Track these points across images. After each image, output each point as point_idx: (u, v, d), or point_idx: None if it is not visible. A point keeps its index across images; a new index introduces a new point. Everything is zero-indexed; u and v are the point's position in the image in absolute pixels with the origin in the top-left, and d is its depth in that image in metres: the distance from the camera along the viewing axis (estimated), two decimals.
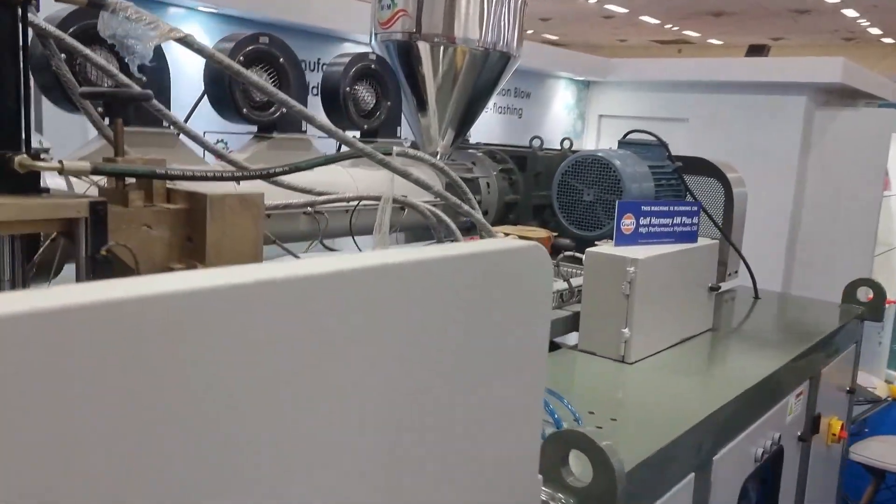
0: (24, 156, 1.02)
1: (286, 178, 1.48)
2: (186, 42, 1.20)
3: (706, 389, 1.63)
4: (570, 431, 1.07)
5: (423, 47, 2.36)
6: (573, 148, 2.73)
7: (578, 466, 1.06)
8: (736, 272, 2.72)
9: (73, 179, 1.27)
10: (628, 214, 1.82)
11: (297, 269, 0.62)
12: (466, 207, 1.75)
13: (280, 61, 1.92)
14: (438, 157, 2.60)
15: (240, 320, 0.57)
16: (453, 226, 1.62)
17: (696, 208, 1.98)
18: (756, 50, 7.59)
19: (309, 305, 0.62)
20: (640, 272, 1.70)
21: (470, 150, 2.75)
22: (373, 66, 2.20)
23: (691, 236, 1.97)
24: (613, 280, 1.72)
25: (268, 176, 1.34)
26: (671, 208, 1.92)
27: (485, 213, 2.62)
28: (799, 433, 2.05)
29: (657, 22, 18.09)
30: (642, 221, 1.85)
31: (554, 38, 18.54)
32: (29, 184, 1.05)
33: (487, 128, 4.90)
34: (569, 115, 5.94)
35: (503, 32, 2.41)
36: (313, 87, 3.43)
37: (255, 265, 0.62)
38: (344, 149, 1.36)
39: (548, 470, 1.07)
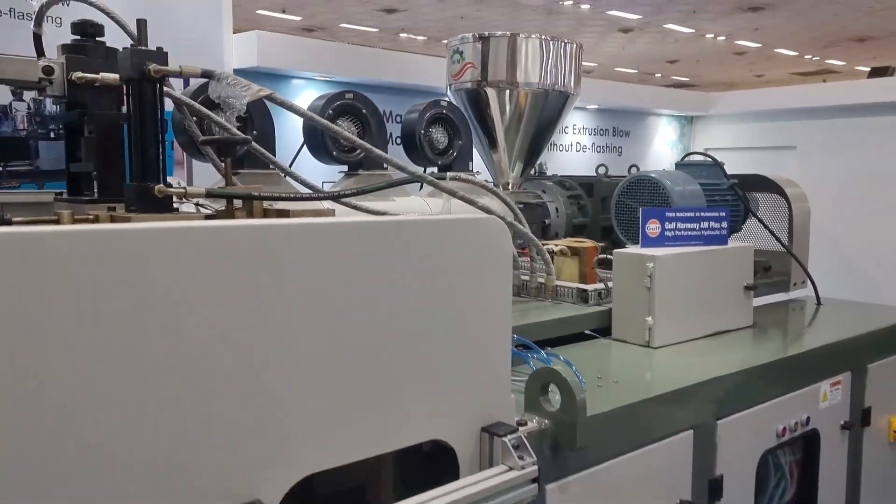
0: (161, 185, 1.49)
1: (364, 203, 1.90)
2: (272, 98, 1.66)
3: (716, 365, 1.85)
4: (548, 369, 1.38)
5: (490, 93, 2.76)
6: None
7: (555, 397, 1.37)
8: (804, 283, 2.85)
9: (201, 203, 1.75)
10: (653, 220, 2.09)
11: (274, 222, 1.00)
12: (510, 219, 2.12)
13: (363, 112, 2.37)
14: (511, 186, 2.96)
15: (237, 261, 0.96)
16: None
17: (723, 214, 2.21)
18: (879, 72, 7.36)
19: (292, 251, 1.00)
20: (659, 267, 1.97)
21: (543, 180, 3.09)
22: (444, 111, 2.62)
23: (720, 239, 2.20)
24: (637, 276, 1.99)
25: (337, 197, 1.76)
26: (697, 214, 2.17)
27: (555, 236, 2.93)
28: (843, 422, 2.18)
29: (795, 54, 17.52)
30: (668, 226, 2.11)
31: (684, 79, 18.39)
32: (165, 205, 1.52)
33: (585, 166, 5.19)
34: (671, 151, 6.11)
35: (560, 74, 2.77)
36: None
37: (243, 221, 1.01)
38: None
39: (531, 399, 1.39)
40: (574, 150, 5.39)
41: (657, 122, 6.04)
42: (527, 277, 2.28)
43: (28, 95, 3.07)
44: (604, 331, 2.10)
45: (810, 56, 17.80)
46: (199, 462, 0.90)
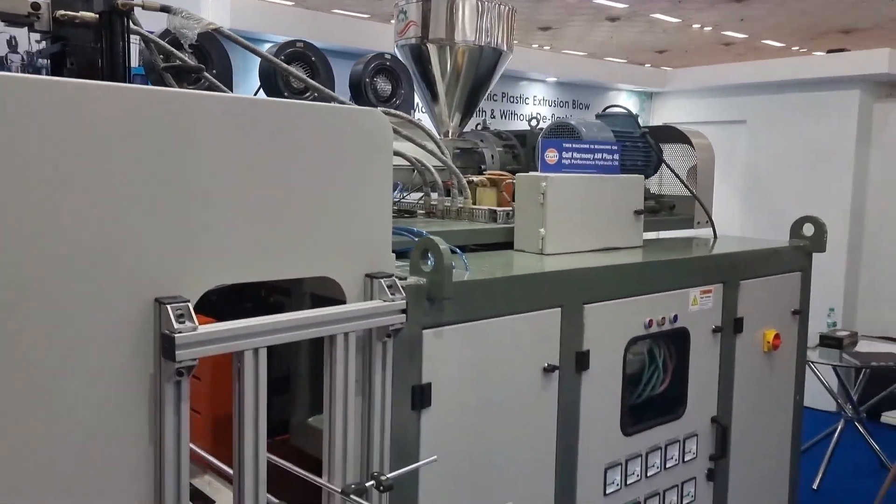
0: None
1: None
2: (220, 31, 2.03)
3: (590, 263, 2.23)
4: (426, 239, 1.76)
5: (431, 49, 3.12)
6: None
7: (429, 264, 1.75)
8: (707, 223, 3.22)
9: None
10: (551, 149, 2.47)
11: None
12: (431, 146, 2.50)
13: (312, 59, 2.74)
14: (450, 135, 3.33)
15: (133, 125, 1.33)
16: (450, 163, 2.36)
17: (615, 147, 2.59)
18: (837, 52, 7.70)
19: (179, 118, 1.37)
20: (551, 187, 2.34)
21: (482, 132, 3.46)
22: (388, 62, 2.99)
23: (613, 169, 2.58)
24: (533, 194, 2.37)
25: None
26: (591, 146, 2.54)
27: None
28: (714, 326, 2.56)
29: (782, 45, 17.86)
30: (564, 155, 2.49)
31: (671, 69, 18.74)
32: None
33: None
34: None
35: (494, 33, 3.13)
36: None
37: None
38: None
39: (414, 264, 1.76)
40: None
41: (617, 97, 6.41)
42: (449, 203, 2.66)
43: (22, 48, 3.44)
44: (510, 245, 2.47)
45: (797, 47, 18.16)
46: (135, 260, 1.27)
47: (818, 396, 4.97)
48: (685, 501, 2.52)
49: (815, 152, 5.71)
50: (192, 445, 1.39)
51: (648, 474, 2.37)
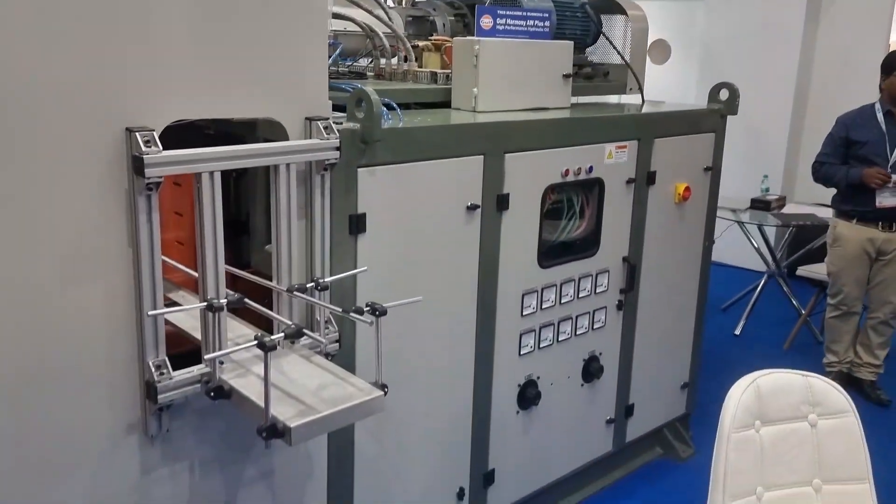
0: None
1: None
2: None
3: (513, 116, 2.55)
4: (360, 89, 2.05)
5: None
6: None
7: (363, 111, 2.04)
8: (637, 90, 3.49)
9: None
10: (486, 15, 2.72)
11: None
12: (380, 12, 2.73)
13: None
14: (403, 3, 3.54)
15: None
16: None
17: (546, 14, 2.83)
18: None
19: None
20: (483, 50, 2.61)
21: (436, 1, 3.66)
22: None
23: (544, 35, 2.83)
24: (468, 57, 2.63)
25: None
26: (524, 12, 2.79)
27: None
28: (627, 178, 2.91)
29: None
30: (499, 21, 2.74)
31: None
32: None
33: None
34: None
35: None
36: None
37: None
38: None
39: (350, 112, 2.06)
40: None
41: None
42: (396, 66, 2.92)
43: None
44: (449, 105, 2.76)
45: None
46: (107, 96, 1.57)
47: (750, 257, 5.43)
48: (596, 326, 2.95)
49: (767, 27, 5.91)
50: (164, 257, 1.74)
51: (562, 301, 2.79)
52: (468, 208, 2.38)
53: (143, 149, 1.58)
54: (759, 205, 5.01)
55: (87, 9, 1.51)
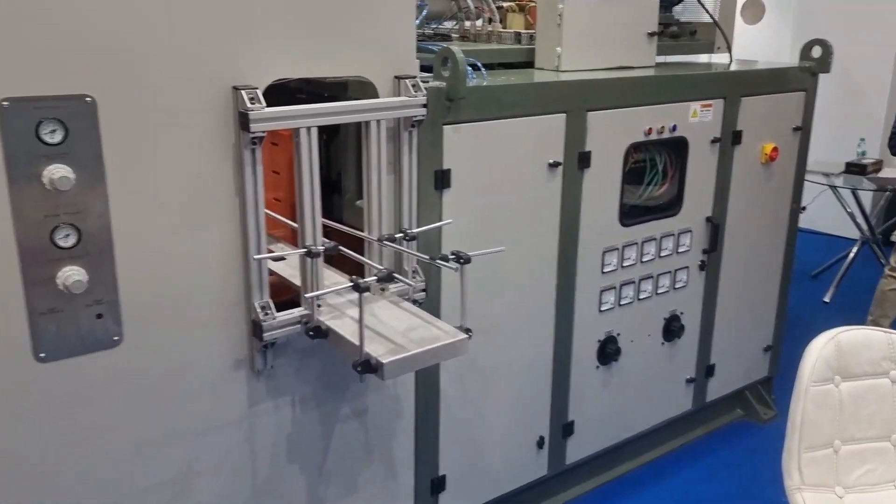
0: None
1: None
2: None
3: (596, 75, 2.57)
4: (446, 48, 2.13)
5: None
6: None
7: (448, 70, 2.12)
8: (725, 50, 3.43)
9: None
10: None
11: None
12: None
13: None
14: None
15: None
16: None
17: None
18: None
19: None
20: (567, 8, 2.64)
21: None
22: None
23: None
24: (552, 15, 2.67)
25: None
26: None
27: None
28: (713, 137, 2.89)
29: None
30: None
31: None
32: None
33: None
34: None
35: None
36: None
37: None
38: None
39: (436, 71, 2.15)
40: None
41: None
42: (480, 27, 2.98)
43: None
44: (533, 65, 2.81)
45: None
46: (215, 58, 1.70)
47: (843, 224, 5.25)
48: (678, 286, 2.97)
49: None
50: (266, 210, 1.88)
51: (643, 260, 2.82)
52: (550, 165, 2.44)
53: (249, 105, 1.71)
54: (853, 169, 4.83)
55: None
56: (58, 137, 1.51)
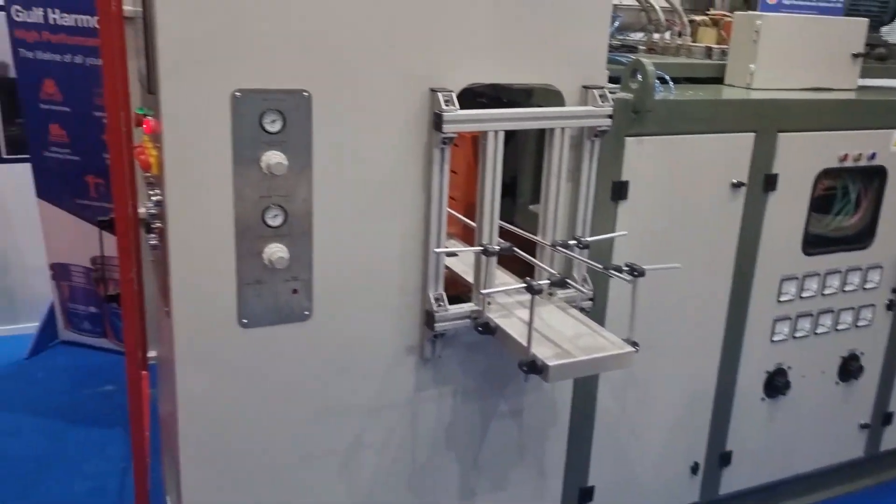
0: None
1: None
2: None
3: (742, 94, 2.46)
4: (636, 60, 2.13)
5: None
6: None
7: (637, 81, 2.12)
8: None
9: None
10: None
11: None
12: None
13: None
14: None
15: None
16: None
17: None
18: None
19: None
20: (766, 26, 2.54)
21: None
22: None
23: (835, 11, 2.68)
24: (748, 31, 2.58)
25: None
26: None
27: None
28: None
29: None
30: None
31: None
32: None
33: None
34: None
35: None
36: None
37: None
38: None
39: (624, 82, 2.15)
40: None
41: None
42: (669, 40, 2.93)
43: None
44: (721, 81, 2.72)
45: None
46: (416, 61, 1.81)
47: None
48: (860, 324, 2.77)
49: None
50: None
51: (825, 293, 2.66)
52: (733, 185, 2.36)
53: (443, 107, 1.80)
54: None
55: None
56: (277, 126, 1.68)
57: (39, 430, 3.26)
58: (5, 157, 3.88)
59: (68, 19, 3.32)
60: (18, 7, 3.37)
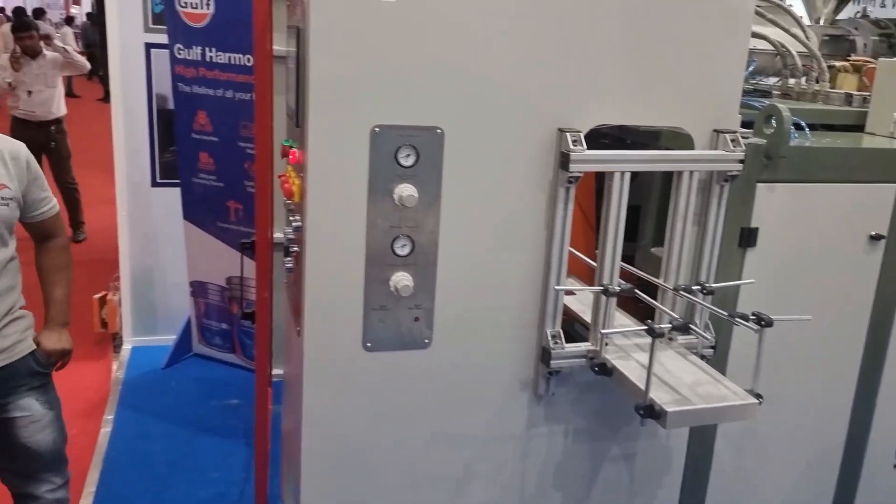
0: None
1: None
2: None
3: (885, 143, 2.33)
4: (771, 105, 2.09)
5: None
6: None
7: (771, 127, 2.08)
8: None
9: None
10: None
11: None
12: (796, 30, 2.72)
13: None
14: (821, 22, 3.40)
15: None
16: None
17: None
18: None
19: None
20: None
21: (859, 20, 3.45)
22: None
23: None
24: (893, 78, 2.47)
25: None
26: None
27: None
28: None
29: None
30: None
31: None
32: None
33: None
34: None
35: None
36: None
37: None
38: None
39: (758, 127, 2.11)
40: None
41: None
42: (805, 86, 2.85)
43: None
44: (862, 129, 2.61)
45: None
46: (547, 102, 1.85)
47: None
48: None
49: None
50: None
51: None
52: (871, 238, 2.25)
53: (571, 147, 1.84)
54: None
55: (540, 32, 1.81)
56: (410, 161, 1.77)
57: (171, 435, 3.49)
58: (159, 181, 4.23)
59: (223, 57, 3.61)
60: (180, 45, 3.70)
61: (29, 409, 2.24)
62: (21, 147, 2.20)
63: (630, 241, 2.43)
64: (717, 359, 2.13)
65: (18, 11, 14.46)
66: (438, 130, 1.78)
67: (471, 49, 1.77)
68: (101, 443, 3.39)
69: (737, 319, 1.85)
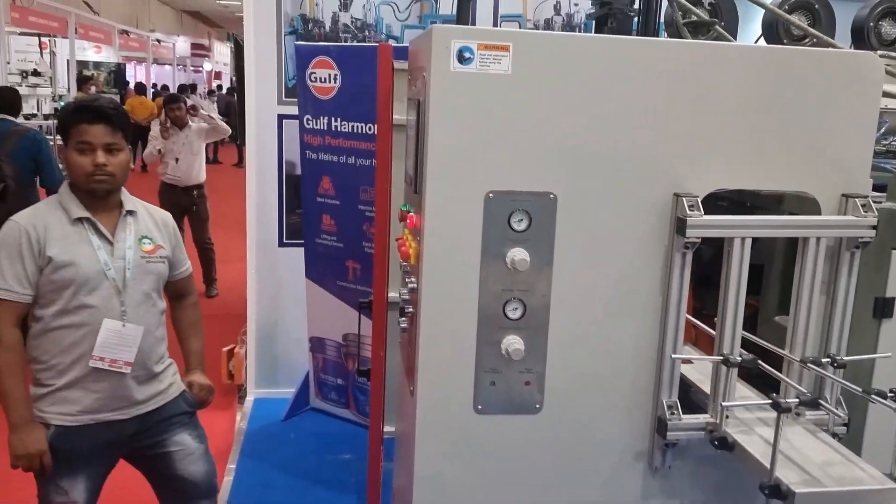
0: None
1: None
2: None
3: None
4: None
5: None
6: None
7: None
8: None
9: None
10: None
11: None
12: None
13: (815, 6, 2.98)
14: None
15: None
16: None
17: None
18: None
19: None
20: None
21: None
22: (895, 6, 3.03)
23: None
24: None
25: None
26: None
27: None
28: None
29: None
30: None
31: None
32: None
33: None
34: None
35: None
36: None
37: None
38: None
39: (892, 192, 2.00)
40: None
41: None
42: None
43: (564, 10, 4.37)
44: None
45: None
46: (663, 168, 1.84)
47: None
48: None
49: None
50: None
51: None
52: None
53: (688, 212, 1.81)
54: None
55: (656, 96, 1.82)
56: (523, 226, 1.79)
57: (288, 487, 3.59)
58: (285, 241, 4.46)
59: (347, 126, 3.81)
60: (309, 116, 3.93)
61: (183, 443, 2.42)
62: (169, 217, 2.50)
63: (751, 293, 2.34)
64: (851, 438, 1.99)
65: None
66: (551, 196, 1.80)
67: (584, 116, 1.80)
68: (223, 489, 3.53)
69: (873, 396, 1.73)
